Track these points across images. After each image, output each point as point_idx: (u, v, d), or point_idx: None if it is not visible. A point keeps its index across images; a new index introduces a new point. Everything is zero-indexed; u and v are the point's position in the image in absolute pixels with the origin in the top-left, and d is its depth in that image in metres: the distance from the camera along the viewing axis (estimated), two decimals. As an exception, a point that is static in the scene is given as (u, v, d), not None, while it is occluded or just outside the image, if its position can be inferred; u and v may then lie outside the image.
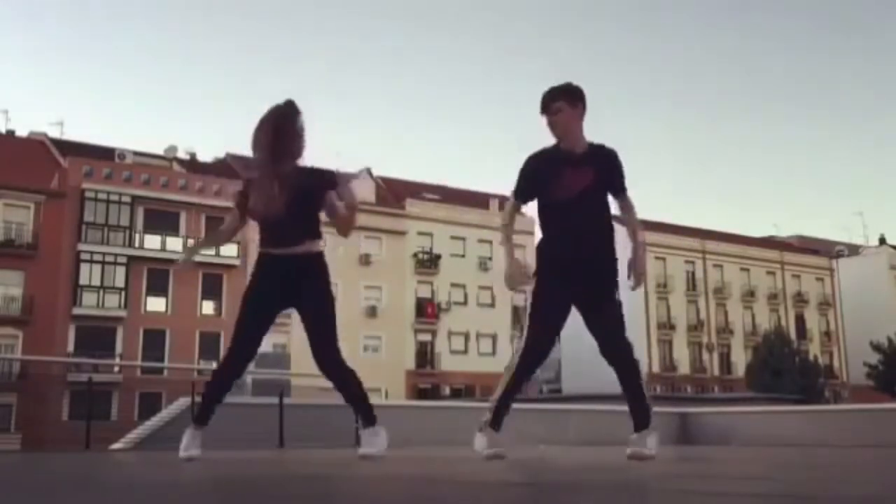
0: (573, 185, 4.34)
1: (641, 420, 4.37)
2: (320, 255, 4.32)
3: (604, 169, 4.43)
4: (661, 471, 3.67)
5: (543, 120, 4.43)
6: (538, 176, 4.44)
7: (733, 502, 2.22)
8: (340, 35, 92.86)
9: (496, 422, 4.49)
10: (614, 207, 4.54)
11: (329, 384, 4.47)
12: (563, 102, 4.38)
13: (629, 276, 4.46)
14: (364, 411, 4.35)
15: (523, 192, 4.51)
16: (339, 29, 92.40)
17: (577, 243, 4.36)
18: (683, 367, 55.31)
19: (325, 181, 4.29)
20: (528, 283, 4.50)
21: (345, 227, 4.34)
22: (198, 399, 10.73)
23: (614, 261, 4.43)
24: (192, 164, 44.64)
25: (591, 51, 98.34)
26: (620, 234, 4.56)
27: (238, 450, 7.34)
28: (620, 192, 4.52)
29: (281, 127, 4.23)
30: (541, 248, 4.50)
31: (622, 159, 4.52)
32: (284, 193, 4.18)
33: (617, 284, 4.41)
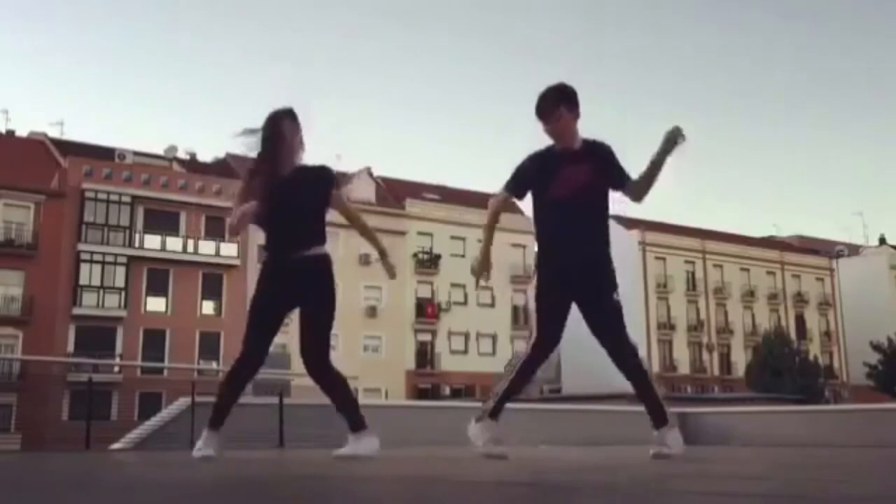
0: (572, 182, 4.35)
1: (657, 417, 4.41)
2: (326, 258, 4.33)
3: (601, 164, 4.44)
4: (661, 471, 3.67)
5: (540, 125, 4.40)
6: (537, 175, 4.44)
7: (733, 502, 2.22)
8: (340, 35, 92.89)
9: (496, 413, 4.49)
10: (618, 202, 4.56)
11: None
12: (563, 109, 4.37)
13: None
14: (349, 417, 4.32)
15: (514, 187, 4.49)
16: (339, 29, 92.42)
17: (575, 242, 4.36)
18: (683, 367, 55.29)
19: (325, 181, 4.35)
20: (486, 280, 4.56)
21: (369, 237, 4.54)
22: (198, 399, 10.74)
23: (611, 261, 4.45)
24: (192, 164, 44.64)
25: (591, 50, 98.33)
26: (615, 235, 4.58)
27: (238, 450, 7.34)
28: (626, 180, 4.49)
29: (275, 134, 4.25)
30: (540, 247, 4.50)
31: (617, 153, 4.53)
32: (286, 196, 4.20)
33: (615, 285, 4.42)
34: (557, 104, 4.36)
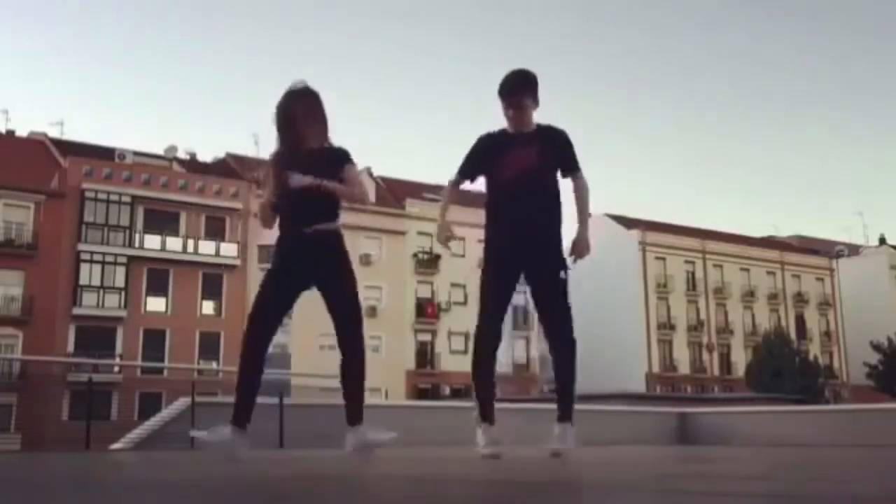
0: (519, 164, 4.42)
1: (564, 412, 4.43)
2: (337, 232, 4.34)
3: (551, 148, 4.49)
4: (660, 471, 3.67)
5: (500, 103, 4.47)
6: (486, 157, 4.53)
7: (733, 502, 2.22)
8: (340, 35, 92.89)
9: (485, 415, 4.51)
10: (565, 188, 4.61)
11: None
12: (529, 99, 4.45)
13: (571, 253, 4.51)
14: (350, 408, 4.29)
15: (465, 169, 4.60)
16: (339, 29, 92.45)
17: (521, 223, 4.43)
18: (683, 367, 55.27)
19: (338, 158, 4.33)
20: (453, 240, 4.71)
21: (349, 198, 4.36)
22: (198, 399, 10.75)
23: (559, 240, 4.51)
24: (192, 164, 44.66)
25: (592, 50, 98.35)
26: (567, 214, 4.66)
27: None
28: (573, 170, 4.56)
29: (284, 113, 4.24)
30: (487, 228, 4.58)
31: (572, 139, 4.58)
32: (299, 173, 4.21)
33: (563, 263, 4.48)
34: (523, 92, 4.44)
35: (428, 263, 47.45)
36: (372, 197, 46.17)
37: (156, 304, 38.87)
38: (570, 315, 4.46)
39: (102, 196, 38.11)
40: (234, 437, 4.08)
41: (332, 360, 4.38)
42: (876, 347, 50.46)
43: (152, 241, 39.02)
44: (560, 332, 4.45)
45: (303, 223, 4.25)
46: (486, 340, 4.53)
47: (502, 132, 4.54)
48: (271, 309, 4.29)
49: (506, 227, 4.47)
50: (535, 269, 4.45)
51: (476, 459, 4.33)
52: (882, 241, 68.94)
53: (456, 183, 4.68)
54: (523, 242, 4.41)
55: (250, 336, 4.25)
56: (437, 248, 47.82)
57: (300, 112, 4.24)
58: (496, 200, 4.55)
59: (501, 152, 4.47)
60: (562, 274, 4.44)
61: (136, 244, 38.70)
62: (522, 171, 4.40)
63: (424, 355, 46.83)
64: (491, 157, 4.50)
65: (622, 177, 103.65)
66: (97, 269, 37.59)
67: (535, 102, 4.48)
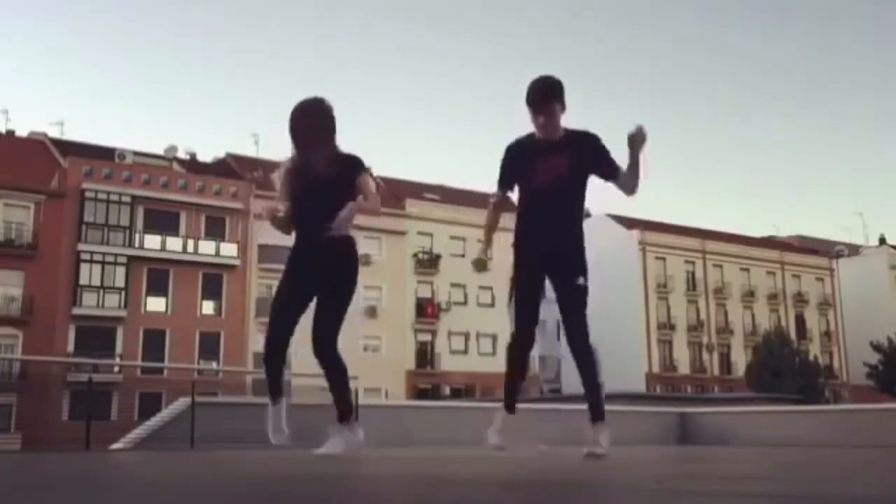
0: (548, 173, 4.43)
1: (594, 412, 4.48)
2: (350, 240, 4.40)
3: (582, 155, 4.48)
4: (660, 471, 3.67)
5: (528, 111, 4.45)
6: (517, 164, 4.55)
7: (733, 502, 2.22)
8: (341, 35, 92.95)
9: (508, 403, 4.60)
10: (618, 200, 4.64)
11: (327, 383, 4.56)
12: (557, 105, 4.44)
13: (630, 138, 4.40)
14: (339, 407, 4.44)
15: (504, 180, 4.60)
16: (339, 29, 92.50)
17: (546, 230, 4.46)
18: (683, 367, 55.26)
19: (351, 167, 4.40)
20: (485, 271, 4.90)
21: (366, 213, 4.50)
22: (198, 399, 10.78)
23: (581, 248, 4.53)
24: (192, 164, 44.64)
25: (592, 50, 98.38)
26: (589, 226, 4.69)
27: (238, 450, 7.37)
28: (615, 171, 4.52)
29: (304, 119, 4.35)
30: (515, 235, 4.59)
31: (605, 142, 4.55)
32: (311, 181, 4.30)
33: (583, 270, 4.50)
34: (551, 99, 4.42)
35: (428, 263, 47.43)
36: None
37: (156, 304, 38.87)
38: (585, 323, 4.48)
39: (102, 196, 38.10)
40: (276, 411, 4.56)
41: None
42: (876, 347, 50.46)
43: (152, 241, 39.01)
44: (574, 342, 4.48)
45: (317, 231, 4.31)
46: (518, 342, 4.56)
47: (531, 139, 4.53)
48: (285, 313, 4.40)
49: (533, 234, 4.50)
50: (558, 276, 4.49)
51: (475, 459, 4.34)
52: (882, 241, 68.91)
53: (501, 200, 4.64)
54: (549, 249, 4.45)
55: (267, 341, 4.46)
56: (438, 249, 47.90)
57: (305, 126, 4.34)
58: (526, 207, 4.57)
59: (533, 159, 4.48)
60: (580, 280, 4.46)
61: (136, 244, 38.69)
62: (553, 179, 4.42)
63: (424, 355, 46.82)
64: (523, 164, 4.52)
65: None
66: (97, 269, 37.58)
67: (563, 107, 4.47)
